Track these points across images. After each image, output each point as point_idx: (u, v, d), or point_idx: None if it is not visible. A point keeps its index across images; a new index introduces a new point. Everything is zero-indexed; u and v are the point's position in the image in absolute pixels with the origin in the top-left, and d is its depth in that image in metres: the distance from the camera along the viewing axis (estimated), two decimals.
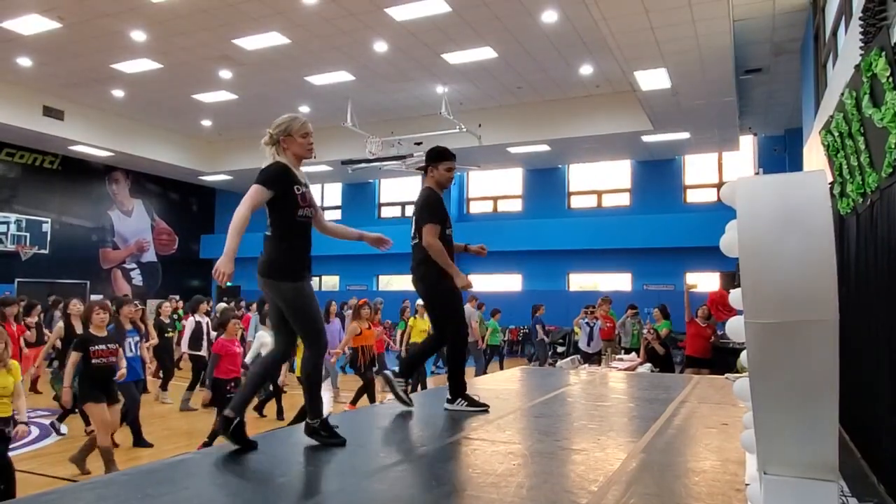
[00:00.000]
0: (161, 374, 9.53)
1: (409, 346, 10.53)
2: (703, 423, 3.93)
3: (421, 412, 4.22)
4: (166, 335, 9.34)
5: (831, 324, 1.66)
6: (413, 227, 4.01)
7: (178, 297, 14.88)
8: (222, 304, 13.04)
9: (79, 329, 7.53)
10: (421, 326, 10.48)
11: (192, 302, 9.66)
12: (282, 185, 2.99)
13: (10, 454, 6.06)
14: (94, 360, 5.38)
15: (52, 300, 12.63)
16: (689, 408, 4.46)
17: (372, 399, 7.97)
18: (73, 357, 5.40)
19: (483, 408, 4.04)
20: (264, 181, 2.97)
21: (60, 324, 7.97)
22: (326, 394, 9.58)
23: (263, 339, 7.28)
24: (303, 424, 3.22)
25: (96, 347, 5.42)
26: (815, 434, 1.78)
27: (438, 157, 4.02)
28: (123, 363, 5.91)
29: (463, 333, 4.16)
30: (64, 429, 7.15)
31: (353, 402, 8.18)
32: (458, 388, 4.09)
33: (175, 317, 11.05)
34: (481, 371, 11.19)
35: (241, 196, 2.83)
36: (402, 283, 19.99)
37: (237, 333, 6.70)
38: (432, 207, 3.94)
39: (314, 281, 20.96)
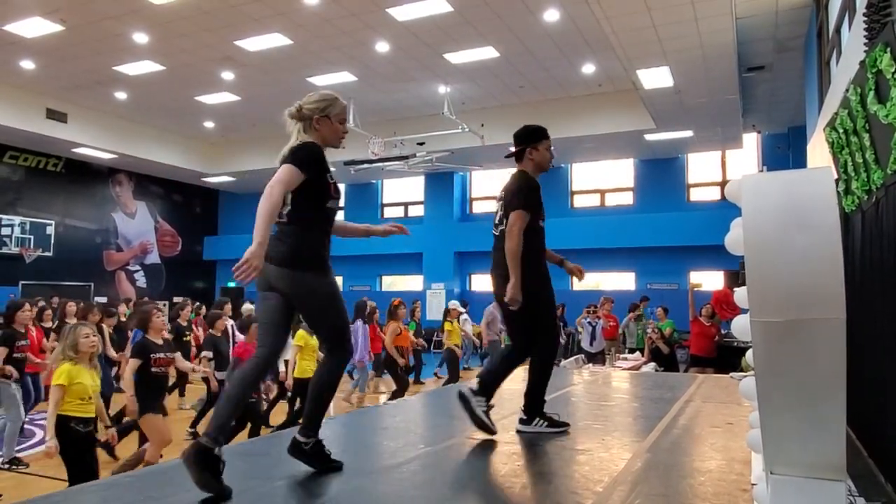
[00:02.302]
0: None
1: (446, 352, 10.49)
2: (709, 423, 3.91)
3: (423, 412, 4.22)
4: (184, 339, 8.98)
5: (839, 322, 1.65)
6: (499, 214, 3.48)
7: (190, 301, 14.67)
8: (248, 306, 12.26)
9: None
10: (458, 330, 10.48)
11: (217, 303, 9.50)
12: (316, 169, 2.59)
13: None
14: (153, 369, 4.97)
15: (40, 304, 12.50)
16: (693, 407, 4.45)
17: None
18: (133, 364, 4.94)
19: (563, 428, 3.52)
20: (300, 162, 2.53)
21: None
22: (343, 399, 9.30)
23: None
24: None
25: (157, 355, 4.99)
26: (823, 433, 1.77)
27: (539, 135, 3.47)
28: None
29: (550, 343, 3.55)
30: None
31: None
32: (535, 406, 3.55)
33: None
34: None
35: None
36: (404, 283, 19.99)
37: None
38: (527, 192, 3.40)
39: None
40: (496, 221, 3.51)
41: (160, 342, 5.15)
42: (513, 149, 3.58)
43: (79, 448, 4.16)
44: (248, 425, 6.28)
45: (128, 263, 19.84)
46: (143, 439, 5.37)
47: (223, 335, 7.45)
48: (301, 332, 7.10)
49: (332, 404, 3.02)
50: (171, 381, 8.21)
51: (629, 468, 2.80)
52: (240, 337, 7.22)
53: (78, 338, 4.25)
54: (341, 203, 2.98)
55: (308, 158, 2.56)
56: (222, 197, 22.81)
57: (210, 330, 7.31)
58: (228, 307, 9.20)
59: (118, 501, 2.44)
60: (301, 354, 7.06)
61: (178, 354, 5.51)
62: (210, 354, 6.94)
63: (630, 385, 5.97)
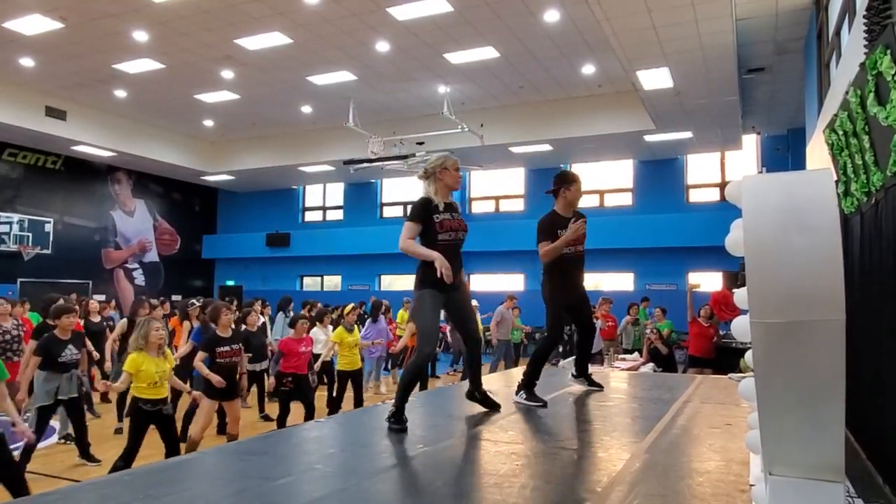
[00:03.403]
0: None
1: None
2: (707, 423, 3.91)
3: (423, 412, 4.22)
4: None
5: (838, 324, 1.65)
6: None
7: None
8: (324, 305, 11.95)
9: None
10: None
11: (250, 301, 9.72)
12: (424, 215, 3.64)
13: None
14: (218, 360, 5.73)
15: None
16: (692, 408, 4.45)
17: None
18: (200, 356, 5.76)
19: (540, 403, 4.33)
20: (412, 217, 3.66)
21: (123, 321, 7.84)
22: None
23: (317, 337, 8.03)
24: (307, 423, 3.22)
25: (222, 349, 5.77)
26: (821, 435, 1.77)
27: (571, 178, 4.50)
28: (245, 361, 6.40)
29: (552, 336, 4.65)
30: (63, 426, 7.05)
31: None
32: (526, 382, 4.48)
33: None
34: (495, 367, 11.31)
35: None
36: (403, 282, 19.97)
37: (305, 333, 7.07)
38: (541, 230, 4.43)
39: (316, 280, 21.06)
40: None
41: (227, 336, 5.91)
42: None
43: (143, 422, 5.02)
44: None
45: (126, 262, 19.82)
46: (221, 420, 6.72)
47: (257, 330, 8.03)
48: (338, 331, 7.85)
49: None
50: None
51: (628, 468, 2.80)
52: (288, 332, 7.63)
53: (150, 330, 5.02)
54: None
55: (415, 211, 3.67)
56: (221, 195, 22.78)
57: (243, 325, 7.68)
58: (258, 305, 9.52)
59: (116, 500, 2.44)
60: (339, 350, 7.81)
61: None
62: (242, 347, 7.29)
63: (628, 385, 5.97)
